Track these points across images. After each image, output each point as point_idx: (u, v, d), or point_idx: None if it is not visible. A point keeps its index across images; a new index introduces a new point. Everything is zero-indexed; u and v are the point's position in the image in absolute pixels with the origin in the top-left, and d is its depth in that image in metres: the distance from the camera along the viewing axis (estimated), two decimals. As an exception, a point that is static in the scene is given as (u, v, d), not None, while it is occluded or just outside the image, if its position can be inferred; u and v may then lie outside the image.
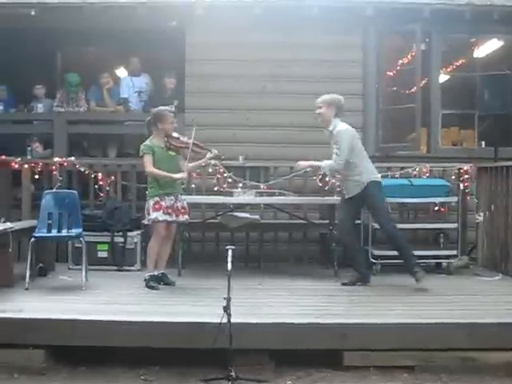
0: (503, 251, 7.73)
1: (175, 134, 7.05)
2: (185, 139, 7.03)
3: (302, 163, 7.32)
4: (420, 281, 6.86)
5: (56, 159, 8.48)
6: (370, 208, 7.17)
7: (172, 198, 6.86)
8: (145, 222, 7.09)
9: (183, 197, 7.09)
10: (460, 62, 10.54)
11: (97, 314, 5.63)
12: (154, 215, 6.79)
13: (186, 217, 7.06)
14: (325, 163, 7.04)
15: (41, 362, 5.31)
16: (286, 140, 8.91)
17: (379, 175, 7.25)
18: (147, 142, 6.93)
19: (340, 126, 7.01)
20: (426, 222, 8.47)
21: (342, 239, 7.38)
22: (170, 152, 6.98)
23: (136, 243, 8.08)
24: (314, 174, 8.15)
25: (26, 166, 8.25)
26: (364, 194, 6.97)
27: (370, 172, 7.04)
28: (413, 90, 8.99)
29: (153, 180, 6.90)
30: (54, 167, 8.39)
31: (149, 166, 6.85)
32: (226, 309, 4.89)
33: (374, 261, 7.79)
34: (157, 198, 6.81)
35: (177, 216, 6.91)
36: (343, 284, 7.11)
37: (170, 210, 6.83)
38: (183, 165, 7.03)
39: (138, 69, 9.80)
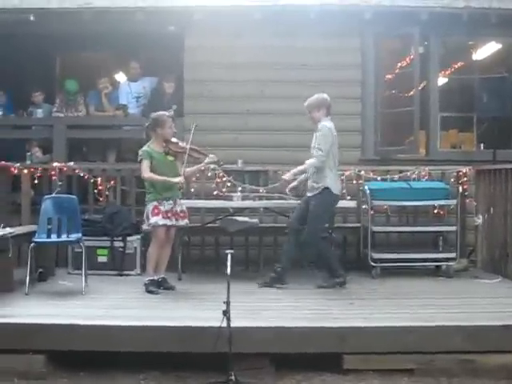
0: (502, 253, 7.73)
1: (174, 140, 7.06)
2: (183, 144, 7.04)
3: (288, 175, 7.23)
4: (323, 286, 6.98)
5: (55, 164, 8.48)
6: (310, 211, 7.02)
7: (171, 202, 6.87)
8: (144, 226, 7.10)
9: (182, 201, 7.09)
10: (458, 64, 10.57)
11: (97, 318, 5.63)
12: (153, 220, 6.80)
13: (186, 221, 7.07)
14: (308, 163, 7.05)
15: (41, 367, 5.31)
16: (285, 144, 8.90)
17: (339, 188, 7.20)
18: (145, 148, 6.95)
19: (326, 122, 7.05)
20: (425, 224, 8.46)
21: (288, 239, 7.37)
22: (169, 157, 7.00)
23: (136, 248, 8.07)
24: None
25: (26, 171, 8.26)
26: (313, 197, 7.01)
27: (332, 181, 7.02)
28: (411, 93, 9.02)
29: (150, 185, 6.91)
30: (53, 172, 8.39)
31: (145, 172, 6.86)
32: (226, 313, 4.90)
33: (373, 264, 7.79)
34: (155, 203, 6.82)
35: (176, 220, 6.92)
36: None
37: (169, 215, 6.84)
38: (182, 170, 7.06)
39: (137, 73, 9.81)
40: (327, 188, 6.98)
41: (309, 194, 7.15)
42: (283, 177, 7.30)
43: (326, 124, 7.03)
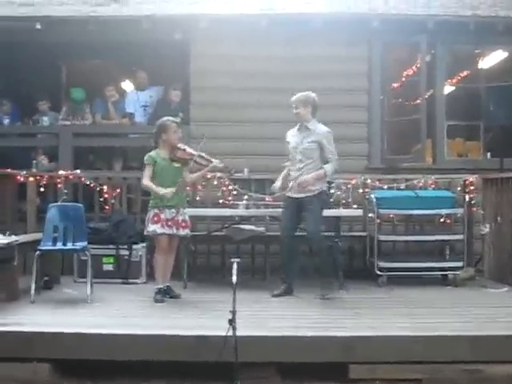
0: (509, 262, 7.70)
1: (181, 146, 7.02)
2: (191, 150, 7.01)
3: (306, 178, 6.93)
4: (323, 298, 6.91)
5: (61, 172, 8.50)
6: (311, 214, 6.95)
7: (173, 210, 6.81)
8: (144, 233, 7.07)
9: (186, 210, 7.04)
10: (465, 73, 10.54)
11: (102, 327, 5.61)
12: (151, 228, 6.78)
13: (187, 231, 6.99)
14: (328, 169, 6.96)
15: (46, 376, 5.28)
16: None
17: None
18: (151, 153, 6.93)
19: (323, 127, 7.06)
20: (431, 233, 8.43)
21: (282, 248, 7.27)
22: (175, 164, 6.95)
23: (141, 256, 8.07)
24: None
25: (32, 178, 8.25)
26: (309, 199, 6.94)
27: (325, 182, 7.12)
28: (418, 101, 9.03)
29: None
30: (59, 180, 8.41)
31: (144, 178, 6.87)
32: (232, 322, 4.87)
33: (379, 273, 7.77)
34: (156, 210, 6.79)
35: (177, 229, 6.85)
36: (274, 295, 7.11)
37: (169, 223, 6.78)
38: (187, 176, 7.04)
39: (144, 83, 9.83)
40: (324, 190, 7.04)
41: (298, 196, 7.02)
42: (303, 178, 6.93)
43: (323, 128, 7.05)
